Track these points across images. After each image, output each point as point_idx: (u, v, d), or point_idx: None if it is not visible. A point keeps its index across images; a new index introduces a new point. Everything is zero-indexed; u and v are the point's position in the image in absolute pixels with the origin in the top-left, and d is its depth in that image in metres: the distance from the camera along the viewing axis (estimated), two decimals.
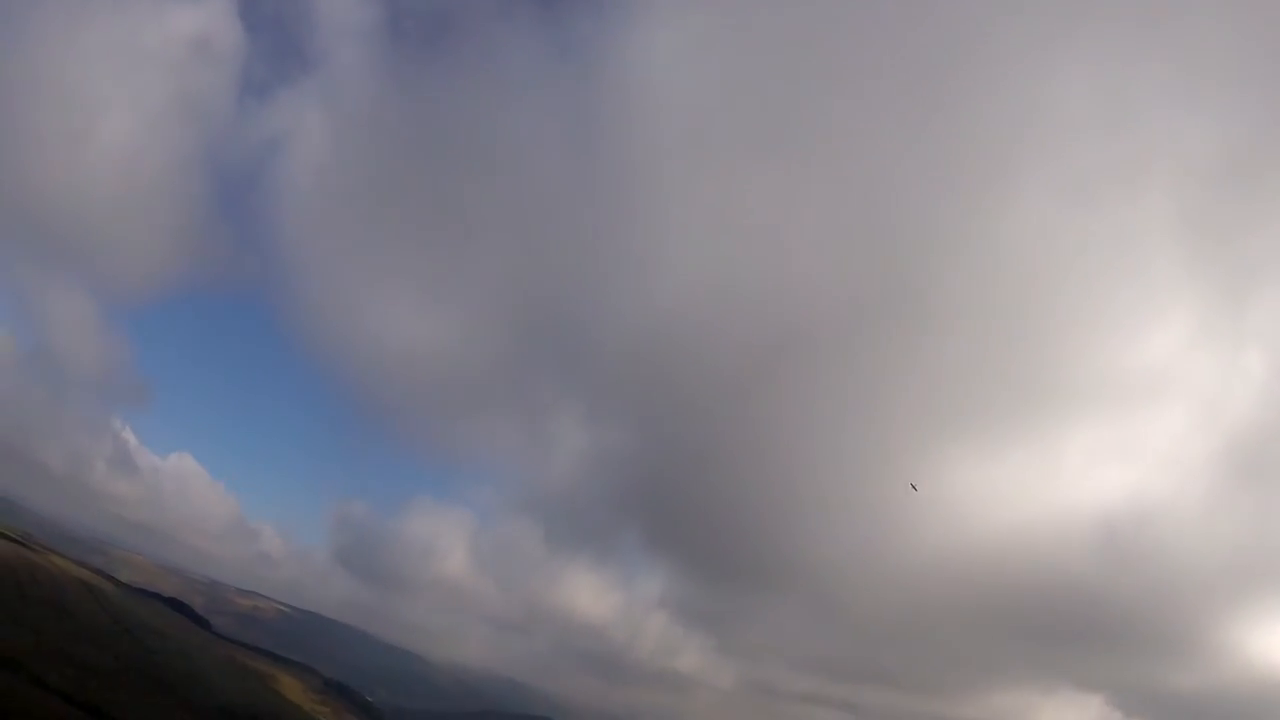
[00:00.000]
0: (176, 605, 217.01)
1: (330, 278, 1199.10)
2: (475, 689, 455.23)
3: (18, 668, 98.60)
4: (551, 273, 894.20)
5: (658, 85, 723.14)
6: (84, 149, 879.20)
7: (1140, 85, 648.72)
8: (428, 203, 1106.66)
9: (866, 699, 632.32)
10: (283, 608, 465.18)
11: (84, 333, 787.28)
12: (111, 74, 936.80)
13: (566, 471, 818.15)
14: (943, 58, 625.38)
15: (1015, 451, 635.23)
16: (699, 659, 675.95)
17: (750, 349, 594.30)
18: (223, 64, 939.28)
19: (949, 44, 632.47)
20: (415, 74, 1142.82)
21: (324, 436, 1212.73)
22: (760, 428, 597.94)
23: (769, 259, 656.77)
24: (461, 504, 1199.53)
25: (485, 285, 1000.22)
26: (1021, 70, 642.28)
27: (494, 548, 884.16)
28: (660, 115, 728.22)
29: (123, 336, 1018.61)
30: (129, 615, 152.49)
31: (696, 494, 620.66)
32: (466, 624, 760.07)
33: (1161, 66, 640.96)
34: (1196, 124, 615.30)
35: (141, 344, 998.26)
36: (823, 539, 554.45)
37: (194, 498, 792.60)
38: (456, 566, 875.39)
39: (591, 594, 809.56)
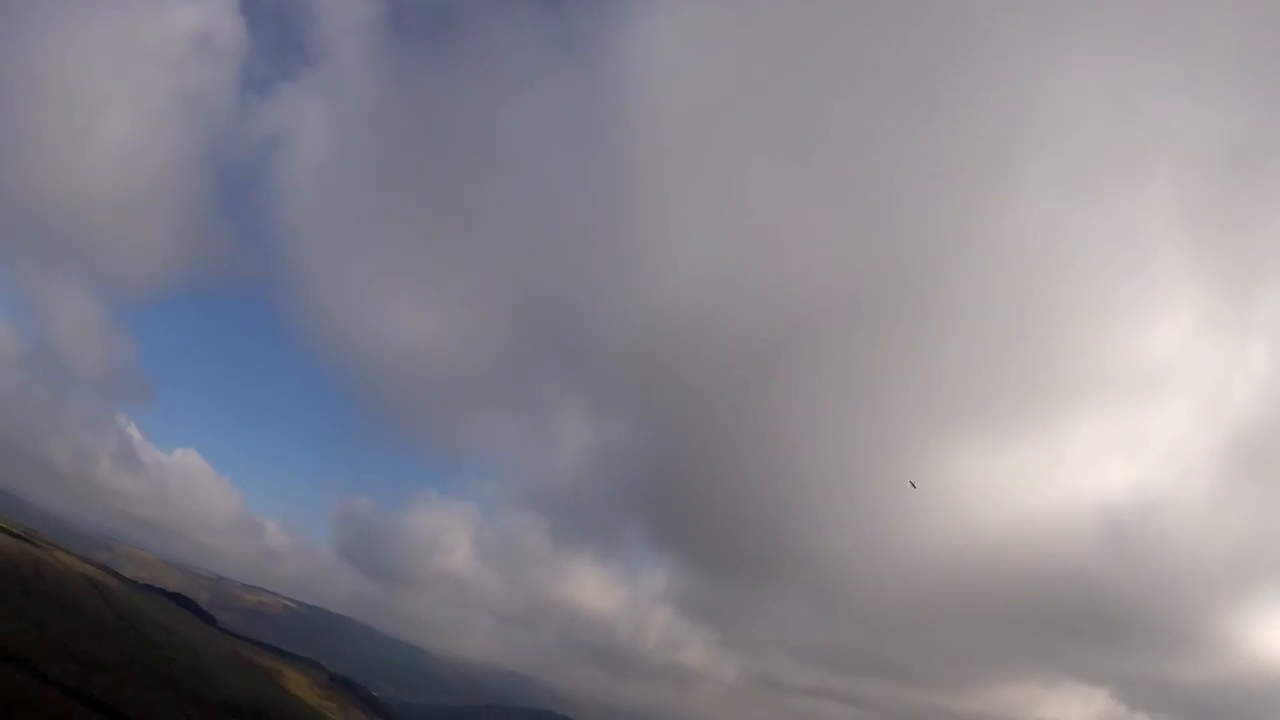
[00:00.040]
0: (182, 601, 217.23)
1: (333, 273, 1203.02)
2: (480, 683, 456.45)
3: (23, 663, 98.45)
4: (554, 268, 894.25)
5: (659, 81, 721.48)
6: (85, 147, 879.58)
7: (1142, 77, 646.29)
8: (430, 198, 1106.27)
9: (870, 692, 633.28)
10: (288, 603, 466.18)
11: (88, 330, 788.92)
12: (112, 71, 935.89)
13: (570, 466, 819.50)
14: (943, 52, 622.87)
15: (1019, 445, 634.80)
16: (703, 653, 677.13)
17: (753, 343, 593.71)
18: (224, 60, 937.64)
19: (949, 39, 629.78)
20: (417, 70, 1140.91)
21: (328, 432, 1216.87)
22: (763, 422, 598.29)
23: (771, 254, 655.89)
24: (466, 498, 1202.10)
25: (488, 280, 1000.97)
26: (1023, 64, 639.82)
27: (498, 542, 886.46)
28: (661, 111, 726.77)
29: (126, 333, 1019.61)
30: (134, 611, 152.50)
31: (700, 488, 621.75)
32: (471, 618, 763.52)
33: (1163, 58, 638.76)
34: (1199, 116, 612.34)
35: (145, 341, 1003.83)
36: (826, 532, 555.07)
37: (199, 493, 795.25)
38: (461, 561, 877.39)
39: (596, 588, 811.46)
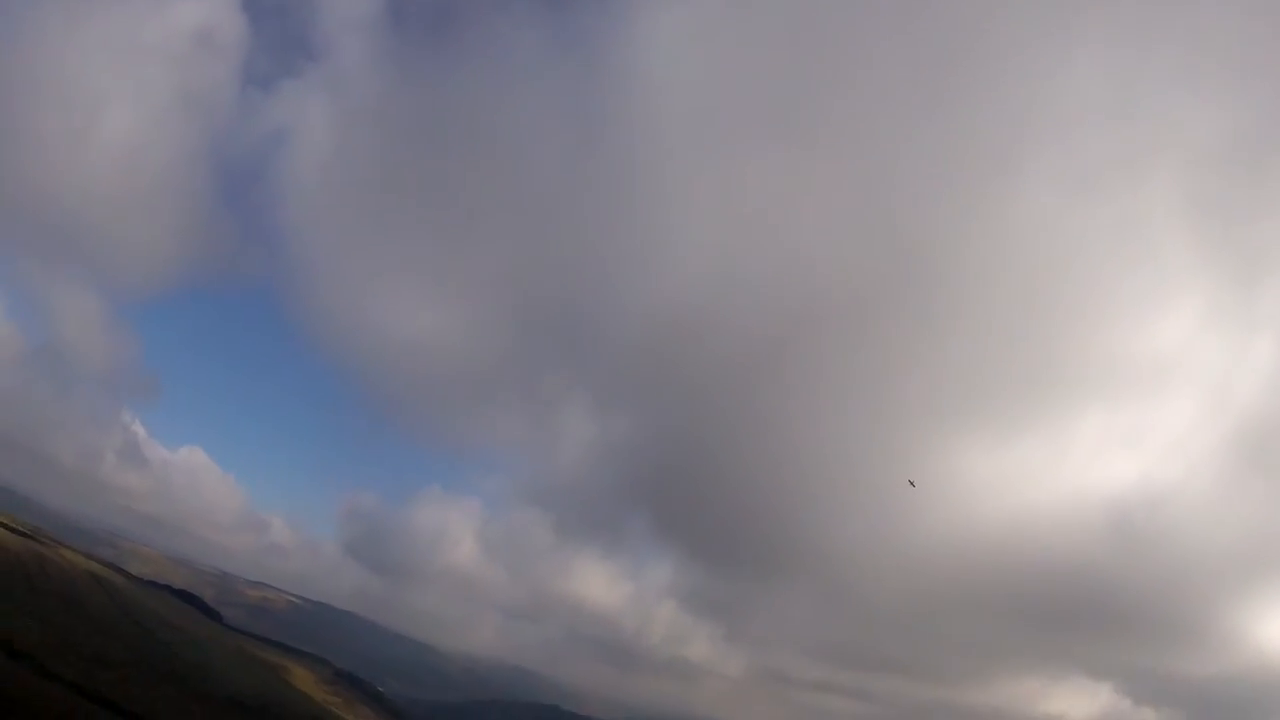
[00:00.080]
0: (187, 597, 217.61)
1: (337, 270, 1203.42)
2: (485, 678, 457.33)
3: (28, 660, 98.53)
4: (558, 263, 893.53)
5: (661, 76, 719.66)
6: (87, 145, 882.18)
7: (1145, 72, 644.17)
8: (433, 194, 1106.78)
9: (876, 686, 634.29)
10: (293, 599, 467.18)
11: (92, 328, 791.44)
12: (114, 69, 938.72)
13: (575, 461, 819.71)
14: (946, 48, 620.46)
15: (1024, 438, 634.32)
16: (708, 647, 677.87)
17: (757, 337, 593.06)
18: (226, 56, 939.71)
19: (952, 34, 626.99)
20: (419, 65, 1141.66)
21: (333, 428, 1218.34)
22: (767, 416, 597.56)
23: (774, 249, 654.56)
24: (471, 494, 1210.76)
25: (491, 275, 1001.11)
26: (1026, 59, 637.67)
27: (503, 537, 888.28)
28: (664, 106, 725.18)
29: (130, 331, 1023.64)
30: (139, 607, 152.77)
31: (705, 482, 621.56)
32: (476, 613, 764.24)
33: (1166, 53, 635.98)
34: (1202, 109, 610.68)
35: (149, 338, 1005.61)
36: (832, 526, 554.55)
37: (204, 490, 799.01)
38: (466, 556, 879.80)
39: (601, 583, 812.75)
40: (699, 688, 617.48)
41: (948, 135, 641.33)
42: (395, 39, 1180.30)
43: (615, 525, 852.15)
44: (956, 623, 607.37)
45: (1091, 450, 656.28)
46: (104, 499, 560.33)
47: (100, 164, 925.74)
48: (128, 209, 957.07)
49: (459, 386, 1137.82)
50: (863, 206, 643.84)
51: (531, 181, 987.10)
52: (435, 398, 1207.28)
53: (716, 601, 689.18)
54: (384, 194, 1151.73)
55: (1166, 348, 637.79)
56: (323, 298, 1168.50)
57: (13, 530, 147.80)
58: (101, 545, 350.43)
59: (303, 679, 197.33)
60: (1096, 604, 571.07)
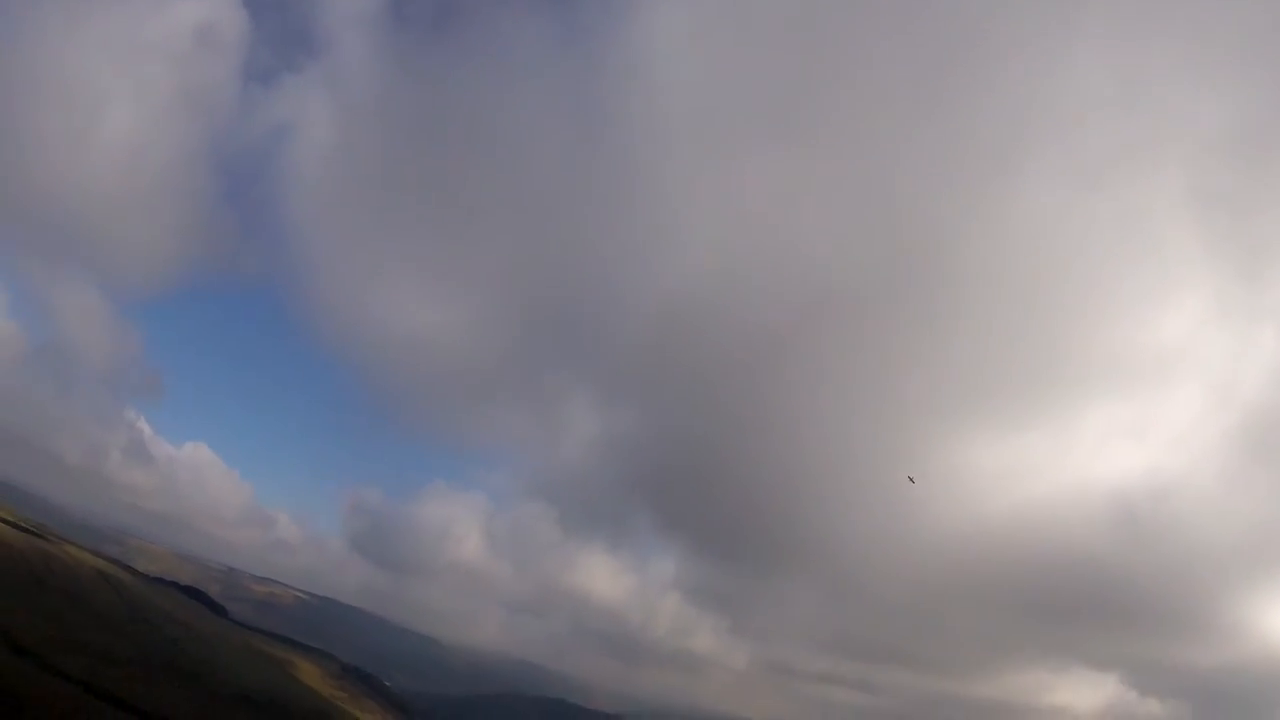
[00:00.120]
0: (193, 593, 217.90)
1: (339, 265, 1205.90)
2: (491, 672, 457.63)
3: (35, 657, 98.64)
4: (561, 258, 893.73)
5: (664, 72, 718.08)
6: (89, 144, 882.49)
7: (1151, 64, 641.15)
8: (435, 190, 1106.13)
9: (881, 678, 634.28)
10: (299, 594, 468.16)
11: (95, 325, 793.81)
12: (115, 66, 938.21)
13: (579, 455, 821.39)
14: (950, 43, 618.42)
15: (1029, 432, 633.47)
16: (713, 640, 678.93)
17: (761, 331, 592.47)
18: (226, 53, 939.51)
19: (955, 29, 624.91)
20: (420, 61, 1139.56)
21: (337, 423, 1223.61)
22: (771, 409, 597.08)
23: (778, 242, 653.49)
24: (475, 489, 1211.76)
25: (495, 271, 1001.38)
26: (1030, 53, 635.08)
27: (508, 532, 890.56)
28: (667, 100, 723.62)
29: (134, 328, 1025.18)
30: (146, 604, 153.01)
31: (709, 475, 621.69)
32: (482, 608, 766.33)
33: (1170, 45, 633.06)
34: (1206, 101, 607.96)
35: (154, 336, 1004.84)
36: (836, 519, 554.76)
37: (209, 486, 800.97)
38: (471, 551, 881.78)
39: (606, 576, 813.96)
40: (704, 680, 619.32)
41: (949, 131, 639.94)
42: (396, 35, 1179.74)
43: (620, 519, 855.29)
44: (961, 615, 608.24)
45: (1096, 443, 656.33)
46: (109, 496, 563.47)
47: (101, 162, 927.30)
48: (129, 207, 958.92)
49: (463, 381, 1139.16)
50: (865, 202, 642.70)
51: (534, 177, 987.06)
52: (439, 393, 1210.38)
53: (721, 594, 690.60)
54: (386, 190, 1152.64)
55: (1171, 341, 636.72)
56: (326, 293, 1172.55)
57: (19, 527, 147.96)
58: (107, 542, 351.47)
59: (309, 674, 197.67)
60: (1102, 596, 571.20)
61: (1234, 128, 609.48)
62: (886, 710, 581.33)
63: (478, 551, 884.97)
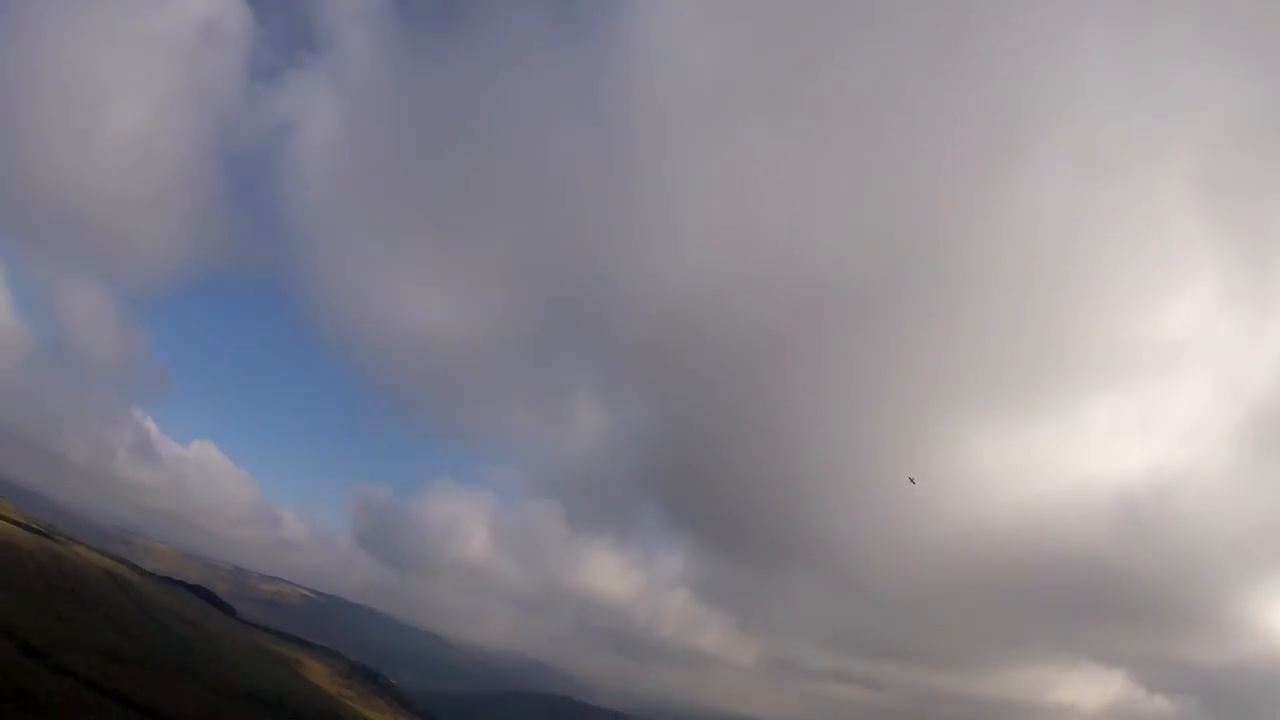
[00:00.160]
0: (201, 592, 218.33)
1: (345, 262, 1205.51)
2: (498, 669, 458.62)
3: (44, 656, 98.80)
4: (566, 253, 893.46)
5: (669, 64, 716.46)
6: (94, 141, 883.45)
7: (1158, 50, 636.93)
8: (440, 185, 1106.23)
9: (888, 675, 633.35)
10: (306, 593, 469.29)
11: (101, 324, 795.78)
12: (120, 64, 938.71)
13: (586, 452, 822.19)
14: (963, 27, 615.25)
15: (1034, 426, 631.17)
16: (720, 637, 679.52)
17: (767, 326, 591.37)
18: (231, 49, 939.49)
19: (968, 13, 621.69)
20: (424, 55, 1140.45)
21: (344, 421, 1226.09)
22: (778, 405, 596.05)
23: (784, 237, 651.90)
24: (482, 486, 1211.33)
25: (501, 267, 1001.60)
26: (1042, 39, 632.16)
27: (515, 529, 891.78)
28: (673, 90, 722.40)
29: (140, 326, 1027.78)
30: (153, 603, 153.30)
31: (716, 472, 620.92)
32: (489, 605, 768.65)
33: (1180, 30, 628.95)
34: (1217, 87, 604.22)
35: (159, 334, 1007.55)
36: (843, 515, 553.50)
37: (216, 485, 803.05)
38: (478, 548, 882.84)
39: (612, 573, 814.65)
40: (711, 677, 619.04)
41: (954, 121, 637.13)
42: (400, 30, 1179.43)
43: (627, 516, 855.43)
44: (968, 612, 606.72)
45: (1102, 437, 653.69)
46: (116, 495, 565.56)
47: (107, 160, 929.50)
48: (135, 205, 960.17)
49: (469, 379, 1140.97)
50: (872, 192, 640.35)
51: (539, 172, 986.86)
52: (446, 390, 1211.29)
53: (728, 591, 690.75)
54: (391, 186, 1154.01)
55: (1177, 332, 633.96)
56: (332, 290, 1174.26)
57: (27, 528, 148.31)
58: (115, 542, 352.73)
59: (317, 672, 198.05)
60: (1108, 592, 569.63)
61: (1243, 114, 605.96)
62: (893, 707, 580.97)
63: (484, 549, 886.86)
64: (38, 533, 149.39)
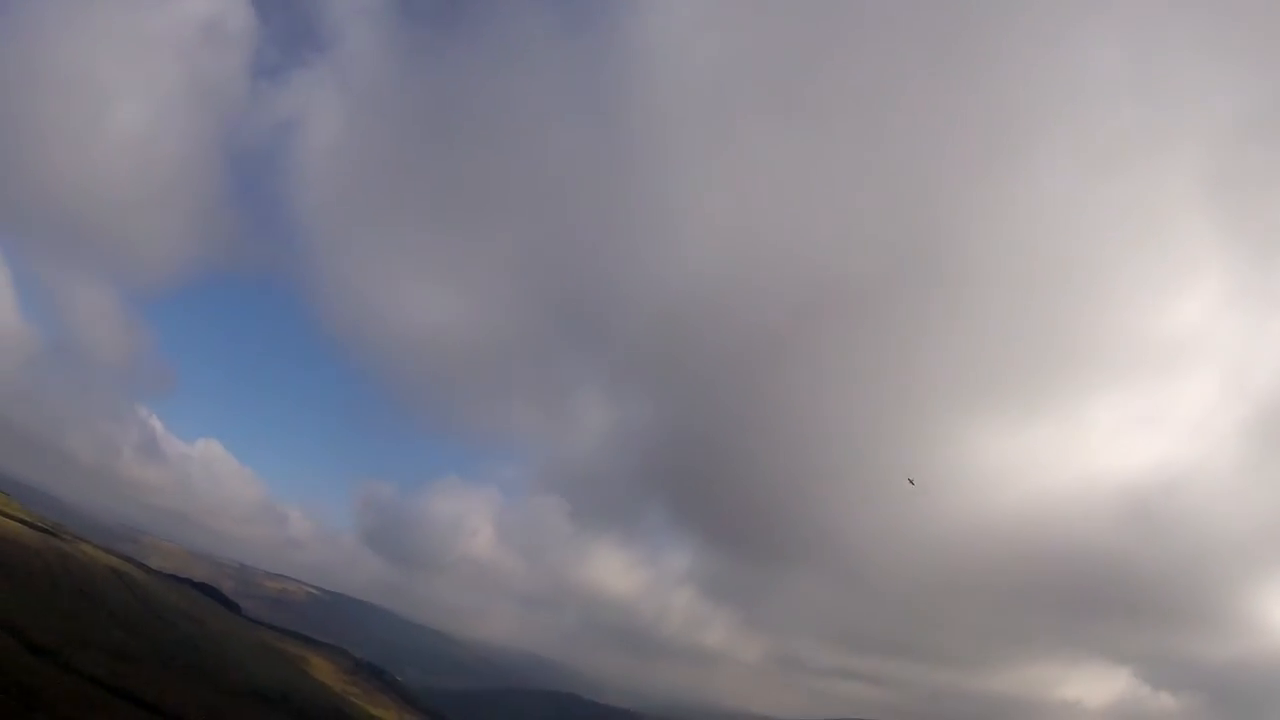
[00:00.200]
0: (206, 590, 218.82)
1: (349, 259, 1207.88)
2: (503, 666, 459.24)
3: (51, 655, 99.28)
4: (571, 250, 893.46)
5: (673, 58, 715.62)
6: (98, 141, 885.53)
7: (1165, 46, 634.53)
8: (444, 182, 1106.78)
9: (893, 672, 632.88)
10: (312, 590, 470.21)
11: (106, 323, 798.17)
12: (123, 63, 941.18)
13: (591, 448, 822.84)
14: (964, 25, 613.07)
15: (1041, 421, 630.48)
16: (726, 634, 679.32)
17: (772, 323, 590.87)
18: (234, 48, 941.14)
19: (969, 11, 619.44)
20: (427, 53, 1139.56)
21: (349, 419, 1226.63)
22: (784, 402, 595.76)
23: (788, 234, 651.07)
24: (487, 483, 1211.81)
25: (505, 264, 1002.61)
26: (1044, 35, 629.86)
27: (520, 526, 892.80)
28: (676, 89, 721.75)
29: (144, 325, 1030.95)
30: (159, 601, 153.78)
31: (722, 468, 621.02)
32: (494, 602, 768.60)
33: (1186, 26, 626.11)
34: (1223, 83, 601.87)
35: (164, 332, 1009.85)
36: (848, 512, 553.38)
37: (221, 483, 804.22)
38: (483, 545, 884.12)
39: (618, 570, 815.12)
40: (716, 674, 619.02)
41: (955, 119, 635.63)
42: (403, 28, 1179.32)
43: (632, 513, 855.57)
44: (974, 608, 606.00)
45: (1107, 434, 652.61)
46: (122, 494, 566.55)
47: (111, 159, 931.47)
48: (139, 204, 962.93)
49: (474, 376, 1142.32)
50: (876, 189, 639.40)
51: (543, 169, 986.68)
52: (451, 387, 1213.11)
53: (734, 588, 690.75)
54: (395, 183, 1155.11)
55: (1186, 327, 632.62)
56: (336, 288, 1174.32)
57: (33, 526, 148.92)
58: (121, 540, 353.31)
59: (322, 669, 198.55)
60: (1114, 589, 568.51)
61: (1249, 109, 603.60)
62: (898, 704, 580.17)
63: (489, 546, 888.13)
64: (44, 531, 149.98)
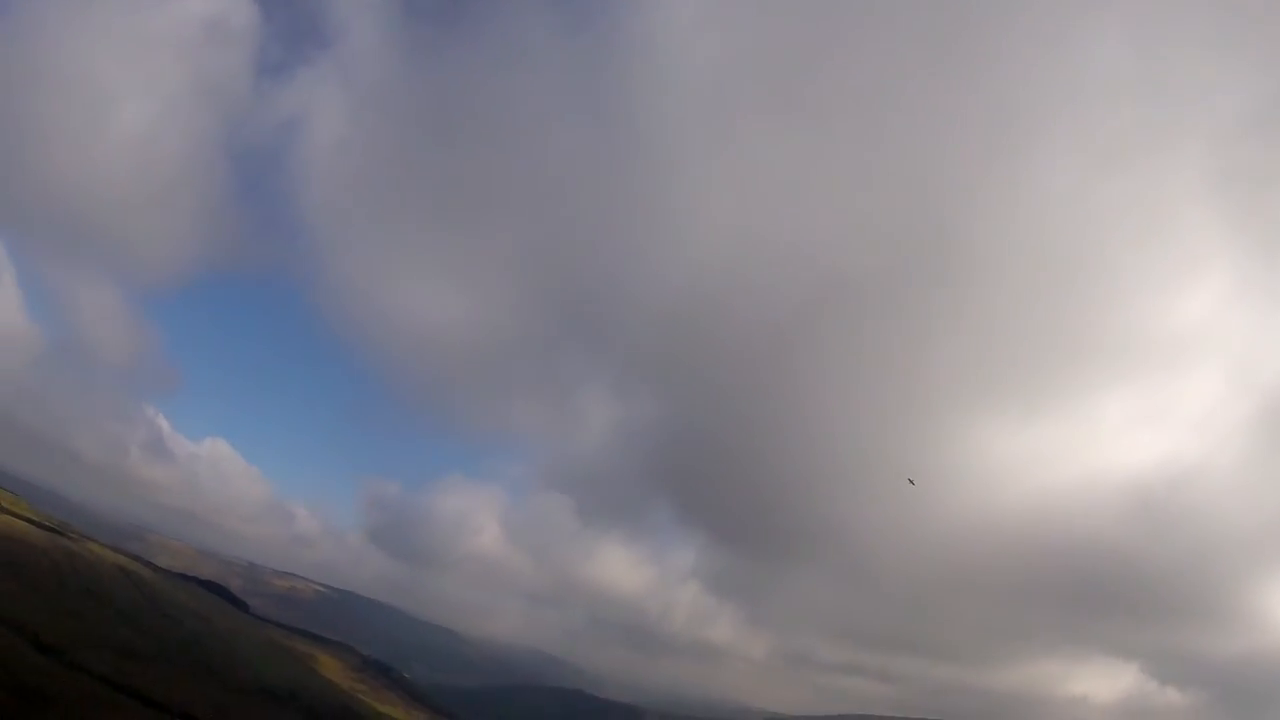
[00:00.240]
0: (214, 588, 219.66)
1: (355, 257, 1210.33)
2: (509, 663, 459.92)
3: (59, 653, 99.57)
4: (576, 247, 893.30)
5: (676, 56, 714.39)
6: (102, 140, 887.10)
7: (1169, 42, 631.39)
8: (449, 180, 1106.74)
9: (900, 668, 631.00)
10: (319, 588, 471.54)
11: (111, 322, 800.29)
12: (127, 62, 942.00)
13: (596, 445, 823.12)
14: (968, 21, 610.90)
15: (1046, 418, 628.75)
16: (732, 630, 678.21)
17: (778, 320, 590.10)
18: (238, 46, 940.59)
19: (973, 7, 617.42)
20: (431, 50, 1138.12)
21: (355, 417, 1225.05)
22: (790, 398, 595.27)
23: (793, 230, 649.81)
24: (493, 480, 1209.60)
25: (511, 261, 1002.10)
26: (1049, 32, 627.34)
27: (526, 523, 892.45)
28: (681, 82, 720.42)
29: (150, 324, 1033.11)
30: (167, 599, 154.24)
31: (727, 465, 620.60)
32: (500, 599, 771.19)
33: (1192, 22, 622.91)
34: (1228, 79, 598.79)
35: (169, 331, 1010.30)
36: (854, 508, 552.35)
37: (228, 482, 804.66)
38: (489, 542, 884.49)
39: (624, 567, 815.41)
40: (722, 670, 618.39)
41: (959, 115, 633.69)
42: (406, 26, 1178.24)
43: (638, 509, 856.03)
44: (979, 604, 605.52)
45: (1113, 430, 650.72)
46: (129, 492, 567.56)
47: (115, 158, 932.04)
48: (144, 203, 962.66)
49: (479, 374, 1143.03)
50: (881, 185, 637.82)
51: (547, 167, 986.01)
52: (456, 385, 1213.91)
53: (740, 584, 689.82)
54: (399, 181, 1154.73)
55: (1193, 323, 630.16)
56: (341, 286, 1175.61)
57: (41, 526, 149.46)
58: (128, 539, 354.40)
59: (330, 667, 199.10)
60: (1121, 585, 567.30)
61: (1254, 105, 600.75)
62: (904, 700, 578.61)
63: (495, 544, 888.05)
64: (52, 530, 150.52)
